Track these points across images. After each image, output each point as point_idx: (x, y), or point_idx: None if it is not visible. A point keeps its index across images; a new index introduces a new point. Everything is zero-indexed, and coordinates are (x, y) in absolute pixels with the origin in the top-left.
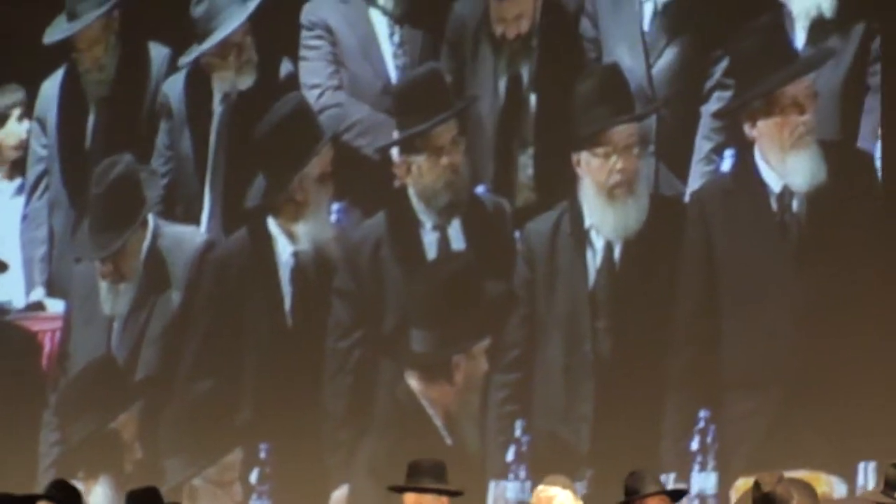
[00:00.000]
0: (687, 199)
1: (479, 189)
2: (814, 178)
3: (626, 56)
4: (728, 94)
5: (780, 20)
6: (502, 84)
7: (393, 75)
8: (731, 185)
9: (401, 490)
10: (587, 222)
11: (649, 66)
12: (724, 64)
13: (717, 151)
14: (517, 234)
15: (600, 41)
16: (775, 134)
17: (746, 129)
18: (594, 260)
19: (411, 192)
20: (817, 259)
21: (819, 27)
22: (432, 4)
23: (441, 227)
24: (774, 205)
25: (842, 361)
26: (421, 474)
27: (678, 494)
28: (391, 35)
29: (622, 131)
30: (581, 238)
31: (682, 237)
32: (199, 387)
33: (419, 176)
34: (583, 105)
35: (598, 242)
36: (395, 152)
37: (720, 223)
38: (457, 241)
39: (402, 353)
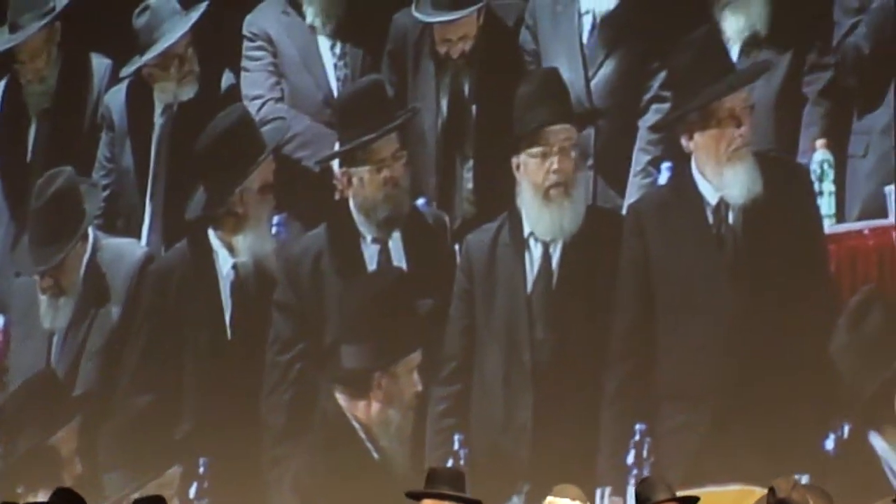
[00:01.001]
0: (624, 211)
1: (420, 202)
2: (749, 191)
3: (565, 68)
4: (665, 106)
5: (716, 33)
6: (444, 98)
7: (334, 87)
8: (668, 198)
9: (419, 496)
10: (526, 230)
11: (588, 79)
12: (661, 77)
13: (655, 164)
14: (457, 246)
15: (540, 54)
16: (712, 147)
17: (683, 141)
18: (532, 269)
19: (352, 204)
20: (752, 272)
21: (753, 41)
22: (372, 16)
23: (381, 240)
24: (711, 217)
25: (776, 374)
26: (440, 482)
27: (690, 501)
28: (332, 47)
29: (560, 132)
30: (520, 247)
31: (619, 250)
32: (138, 401)
33: (360, 188)
34: (522, 107)
35: (537, 251)
36: (336, 164)
37: (657, 236)
38: (397, 254)
39: (334, 369)
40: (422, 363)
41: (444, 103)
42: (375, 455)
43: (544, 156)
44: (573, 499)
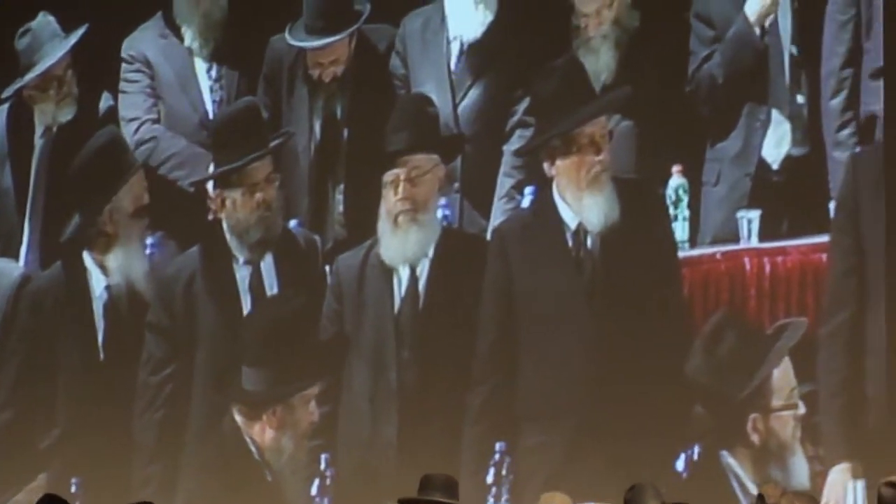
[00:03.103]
0: (489, 234)
1: (292, 224)
2: (607, 217)
3: (433, 94)
4: (529, 132)
5: (578, 61)
6: (317, 121)
7: (210, 109)
8: (530, 221)
9: (411, 503)
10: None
11: (455, 105)
12: (525, 103)
13: (518, 188)
14: (328, 268)
15: (410, 79)
16: (573, 172)
17: (546, 166)
18: (400, 290)
19: (225, 226)
20: (610, 295)
21: (613, 71)
22: (249, 40)
23: (254, 263)
24: (570, 241)
25: (632, 395)
26: (432, 489)
27: None
28: (209, 69)
29: (410, 160)
30: (389, 268)
31: (483, 272)
32: (10, 421)
33: (233, 210)
34: (387, 132)
35: (405, 272)
36: (210, 185)
37: (519, 258)
38: (269, 276)
39: (227, 389)
40: (320, 394)
41: (316, 126)
42: (269, 476)
43: (394, 183)
44: None
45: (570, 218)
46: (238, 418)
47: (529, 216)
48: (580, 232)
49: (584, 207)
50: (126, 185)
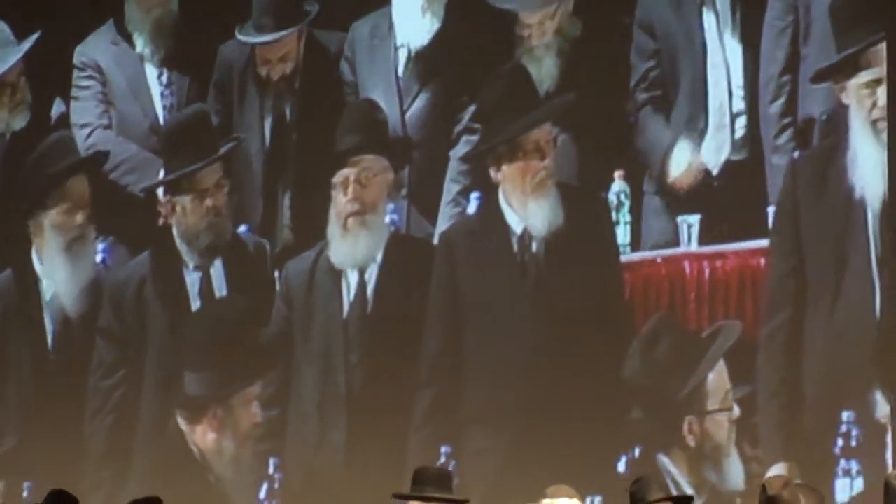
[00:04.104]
0: (436, 240)
1: (242, 229)
2: (551, 223)
3: (381, 100)
4: (475, 138)
5: (524, 68)
6: (268, 125)
7: (161, 115)
8: (476, 227)
9: (405, 498)
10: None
11: (403, 111)
12: (472, 109)
13: (464, 194)
14: (277, 273)
15: (358, 85)
16: (518, 178)
17: (492, 172)
18: (348, 295)
19: (175, 232)
20: (553, 299)
21: (558, 78)
22: (199, 46)
23: (203, 268)
24: (515, 246)
25: (575, 399)
26: (426, 482)
27: (685, 500)
28: (160, 76)
29: (359, 162)
30: (338, 273)
31: (430, 277)
32: None
33: (182, 217)
34: (337, 135)
35: (353, 278)
36: (161, 191)
37: (465, 263)
38: (218, 281)
39: (172, 393)
40: (264, 396)
41: (267, 128)
42: (211, 479)
43: (343, 184)
44: (570, 497)
45: (515, 223)
46: (181, 422)
47: (475, 221)
48: (525, 236)
49: (529, 212)
50: (69, 190)
